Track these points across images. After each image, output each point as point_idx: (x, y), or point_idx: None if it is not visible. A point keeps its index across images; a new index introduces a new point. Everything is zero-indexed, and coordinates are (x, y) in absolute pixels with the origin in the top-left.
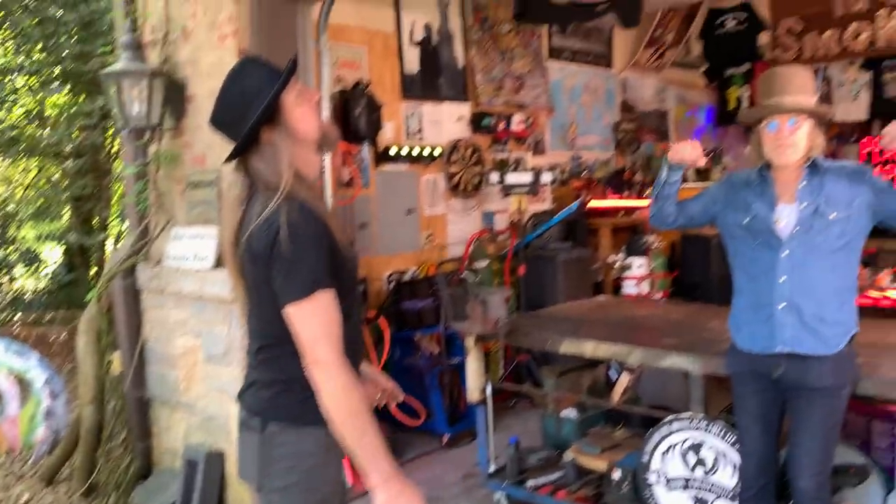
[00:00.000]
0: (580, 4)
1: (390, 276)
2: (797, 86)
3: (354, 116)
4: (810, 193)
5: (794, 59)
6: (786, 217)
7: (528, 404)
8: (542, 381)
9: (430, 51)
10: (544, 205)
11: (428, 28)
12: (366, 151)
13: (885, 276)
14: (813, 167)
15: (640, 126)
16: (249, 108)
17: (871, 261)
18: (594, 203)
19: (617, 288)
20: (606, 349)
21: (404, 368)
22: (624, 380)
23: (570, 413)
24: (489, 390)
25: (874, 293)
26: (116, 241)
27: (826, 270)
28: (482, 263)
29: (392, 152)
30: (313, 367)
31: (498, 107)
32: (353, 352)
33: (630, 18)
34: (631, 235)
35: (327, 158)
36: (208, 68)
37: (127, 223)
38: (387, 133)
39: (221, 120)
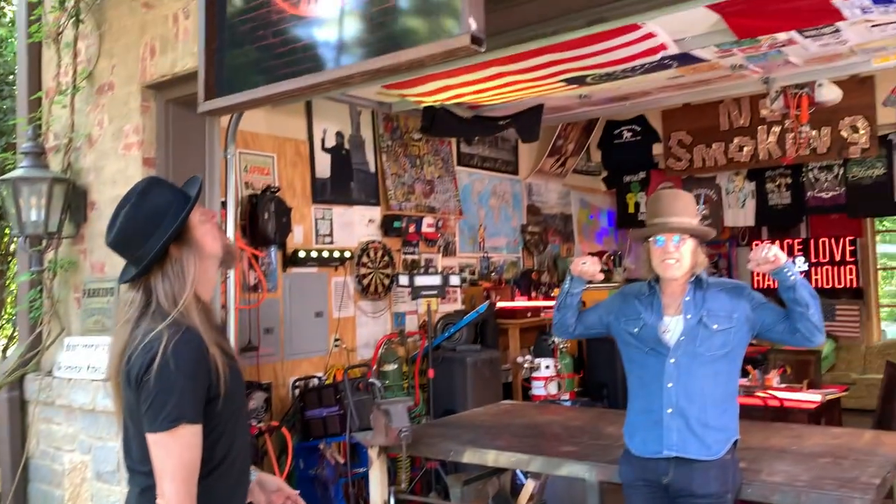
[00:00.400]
0: (483, 118)
1: (296, 381)
2: (680, 208)
3: (263, 220)
4: (694, 306)
5: (685, 169)
6: (672, 327)
7: None
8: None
9: (342, 156)
10: (455, 305)
11: (340, 135)
12: (273, 255)
13: (773, 377)
14: (697, 282)
15: (546, 228)
16: (158, 227)
17: (761, 361)
18: (503, 304)
19: (526, 389)
20: (507, 458)
21: (309, 479)
22: (529, 487)
23: None
24: (392, 502)
25: (762, 393)
26: (5, 348)
27: (709, 377)
28: (391, 366)
29: (301, 255)
30: (158, 500)
31: (409, 210)
32: (239, 474)
33: (528, 134)
34: (538, 335)
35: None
36: (112, 176)
37: (17, 330)
38: (296, 236)
39: (123, 240)
